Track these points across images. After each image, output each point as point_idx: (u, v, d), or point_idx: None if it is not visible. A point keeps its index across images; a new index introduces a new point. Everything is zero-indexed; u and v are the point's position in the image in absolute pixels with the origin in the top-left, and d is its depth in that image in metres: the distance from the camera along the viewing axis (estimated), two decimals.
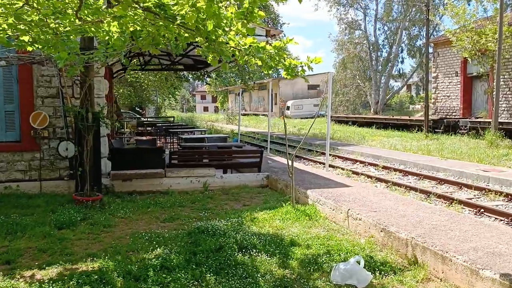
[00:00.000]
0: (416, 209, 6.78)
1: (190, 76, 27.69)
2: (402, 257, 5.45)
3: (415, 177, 11.90)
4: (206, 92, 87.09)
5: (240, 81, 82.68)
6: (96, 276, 4.71)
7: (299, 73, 6.44)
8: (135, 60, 17.35)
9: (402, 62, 41.63)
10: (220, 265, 5.12)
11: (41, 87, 9.28)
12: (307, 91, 59.48)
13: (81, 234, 6.55)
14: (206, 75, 25.76)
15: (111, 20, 5.08)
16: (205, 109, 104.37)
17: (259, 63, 6.01)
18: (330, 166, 14.06)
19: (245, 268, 5.04)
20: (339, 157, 16.24)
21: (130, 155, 10.10)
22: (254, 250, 5.57)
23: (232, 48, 5.75)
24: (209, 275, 4.84)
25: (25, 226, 6.74)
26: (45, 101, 9.32)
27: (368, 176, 11.82)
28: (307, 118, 50.16)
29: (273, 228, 6.73)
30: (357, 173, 12.41)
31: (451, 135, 23.81)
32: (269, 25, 25.22)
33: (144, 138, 13.33)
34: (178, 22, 4.65)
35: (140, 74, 29.72)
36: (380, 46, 41.25)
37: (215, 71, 25.45)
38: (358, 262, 4.78)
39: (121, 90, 33.36)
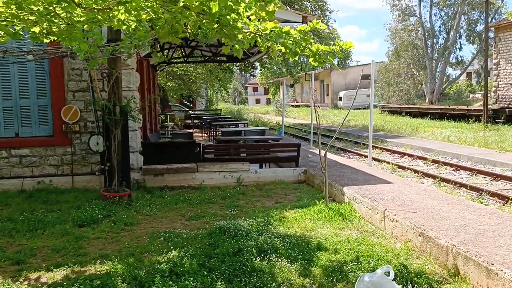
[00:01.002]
0: (462, 210, 6.04)
1: (236, 67, 27.33)
2: (442, 267, 4.78)
3: (467, 172, 10.92)
4: (258, 84, 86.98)
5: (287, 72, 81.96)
6: (98, 282, 4.40)
7: (328, 61, 5.86)
8: (176, 53, 17.19)
9: (460, 48, 39.44)
10: (235, 271, 4.67)
11: (72, 81, 9.17)
12: (360, 81, 57.81)
13: (100, 232, 6.31)
14: (250, 66, 25.31)
15: (117, 7, 4.72)
16: (257, 101, 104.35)
17: (283, 49, 5.49)
18: (375, 160, 13.29)
19: (261, 276, 4.57)
20: (386, 150, 15.35)
21: (162, 149, 9.85)
22: (275, 255, 5.09)
23: (252, 34, 5.28)
24: (220, 283, 4.40)
25: (47, 223, 6.61)
26: (76, 95, 9.21)
27: (415, 171, 10.97)
28: (359, 109, 48.82)
29: (302, 229, 6.21)
30: (403, 168, 11.58)
31: None
32: (315, 13, 24.41)
33: (182, 131, 13.10)
34: (181, 4, 4.22)
35: (189, 66, 29.74)
36: (436, 32, 39.16)
37: (259, 61, 24.95)
38: (387, 273, 4.17)
39: (170, 83, 33.62)
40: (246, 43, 4.78)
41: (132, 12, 4.80)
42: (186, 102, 35.09)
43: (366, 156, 13.93)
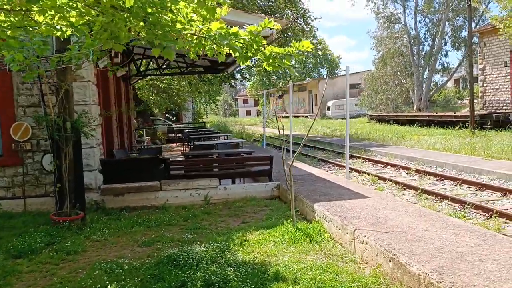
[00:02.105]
0: (440, 228, 5.40)
1: (216, 78, 26.68)
2: None
3: (451, 182, 10.30)
4: (248, 96, 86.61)
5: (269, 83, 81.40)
6: None
7: (283, 64, 5.22)
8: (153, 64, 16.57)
9: (446, 55, 39.22)
10: None
11: (22, 96, 8.49)
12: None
13: (37, 264, 5.60)
14: (229, 77, 24.70)
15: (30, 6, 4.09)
16: (248, 113, 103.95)
17: (233, 53, 4.86)
18: (356, 171, 12.67)
19: None
20: (369, 160, 14.73)
21: (124, 167, 9.15)
22: None
23: (194, 36, 4.66)
24: None
25: None
26: (27, 110, 8.53)
27: (396, 183, 10.35)
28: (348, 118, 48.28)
29: (262, 255, 5.54)
30: (384, 179, 10.94)
31: (500, 131, 21.70)
32: (296, 21, 23.90)
33: (151, 146, 12.41)
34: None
35: (172, 79, 29.08)
36: (422, 39, 38.79)
37: (239, 72, 24.36)
38: None
39: (153, 97, 32.94)
40: (172, 41, 4.11)
41: (48, 12, 4.17)
42: (169, 116, 34.38)
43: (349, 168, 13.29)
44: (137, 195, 8.76)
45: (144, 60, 17.83)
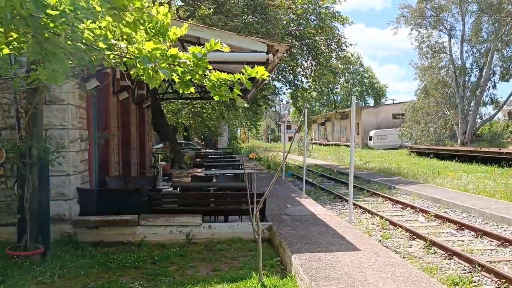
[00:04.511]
0: None
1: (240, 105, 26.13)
2: None
3: (472, 232, 8.96)
4: (290, 122, 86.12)
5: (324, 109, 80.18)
6: None
7: (232, 93, 4.39)
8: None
9: (494, 87, 36.81)
10: None
11: None
12: (391, 120, 55.87)
13: None
14: (255, 104, 24.03)
15: None
16: (290, 139, 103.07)
17: (176, 78, 4.16)
18: (369, 212, 11.49)
19: None
20: (390, 199, 13.46)
21: (102, 197, 8.50)
22: None
23: (116, 56, 3.98)
24: None
25: None
26: (3, 133, 8.08)
27: (407, 230, 9.13)
28: (390, 149, 46.49)
29: None
30: (394, 225, 9.71)
31: None
32: (331, 46, 23.07)
33: (148, 175, 11.76)
34: None
35: (205, 103, 28.81)
36: (468, 70, 36.96)
37: (260, 99, 23.65)
38: None
39: (190, 121, 32.81)
40: (66, 66, 3.39)
41: None
42: (197, 140, 34.10)
43: (362, 208, 12.15)
44: (114, 229, 8.07)
45: (165, 84, 17.51)
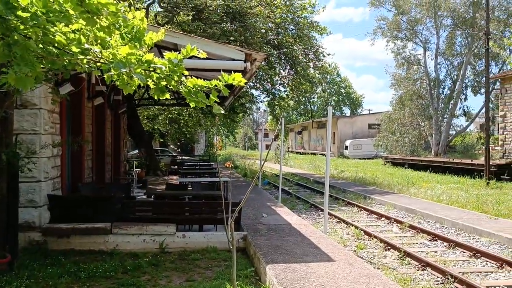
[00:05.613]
0: None
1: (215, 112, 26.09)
2: None
3: (445, 243, 9.06)
4: (267, 130, 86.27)
5: (300, 117, 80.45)
6: None
7: (209, 100, 4.31)
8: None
9: (465, 99, 37.68)
10: None
11: None
12: (367, 130, 56.56)
13: None
14: (231, 111, 23.99)
15: None
16: (267, 146, 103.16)
17: (152, 84, 4.08)
18: (344, 222, 11.52)
19: None
20: (365, 209, 13.53)
21: (73, 204, 8.29)
22: None
23: (90, 61, 3.88)
24: None
25: None
26: None
27: (381, 241, 9.17)
28: (365, 159, 46.97)
29: None
30: (369, 235, 9.75)
31: None
32: (309, 56, 23.23)
33: (120, 182, 11.57)
34: None
35: (182, 110, 28.59)
36: (442, 82, 37.71)
37: (237, 107, 23.63)
38: None
39: (166, 127, 32.52)
40: (38, 69, 3.30)
41: None
42: (173, 147, 33.83)
43: (338, 218, 12.19)
44: (85, 237, 7.88)
45: (141, 89, 17.32)
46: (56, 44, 3.49)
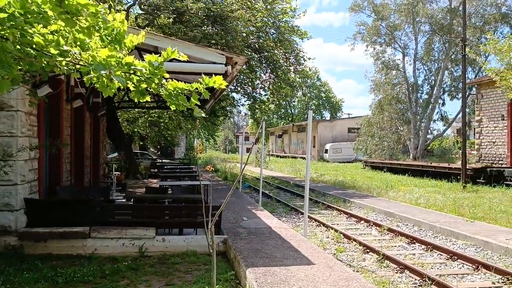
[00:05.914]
0: None
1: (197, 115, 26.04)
2: None
3: (422, 246, 9.20)
4: (248, 133, 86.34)
5: (281, 121, 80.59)
6: None
7: (190, 103, 4.29)
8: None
9: (443, 104, 38.40)
10: None
11: None
12: (347, 134, 57.03)
13: None
14: (212, 115, 23.97)
15: None
16: (248, 150, 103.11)
17: (132, 86, 4.02)
18: (324, 225, 11.60)
19: None
20: (345, 212, 13.65)
21: (51, 208, 8.17)
22: None
23: (69, 63, 3.83)
24: None
25: None
26: None
27: (360, 244, 9.27)
28: (345, 162, 47.36)
29: None
30: (349, 238, 9.84)
31: (494, 187, 20.61)
32: (290, 60, 23.36)
33: (100, 185, 11.41)
34: None
35: (162, 113, 28.42)
36: (420, 87, 38.35)
37: (218, 110, 23.61)
38: None
39: (146, 130, 32.27)
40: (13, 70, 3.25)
41: None
42: (153, 150, 33.59)
43: (317, 221, 12.25)
44: (63, 241, 7.77)
45: (121, 92, 17.17)
46: (34, 46, 3.44)
